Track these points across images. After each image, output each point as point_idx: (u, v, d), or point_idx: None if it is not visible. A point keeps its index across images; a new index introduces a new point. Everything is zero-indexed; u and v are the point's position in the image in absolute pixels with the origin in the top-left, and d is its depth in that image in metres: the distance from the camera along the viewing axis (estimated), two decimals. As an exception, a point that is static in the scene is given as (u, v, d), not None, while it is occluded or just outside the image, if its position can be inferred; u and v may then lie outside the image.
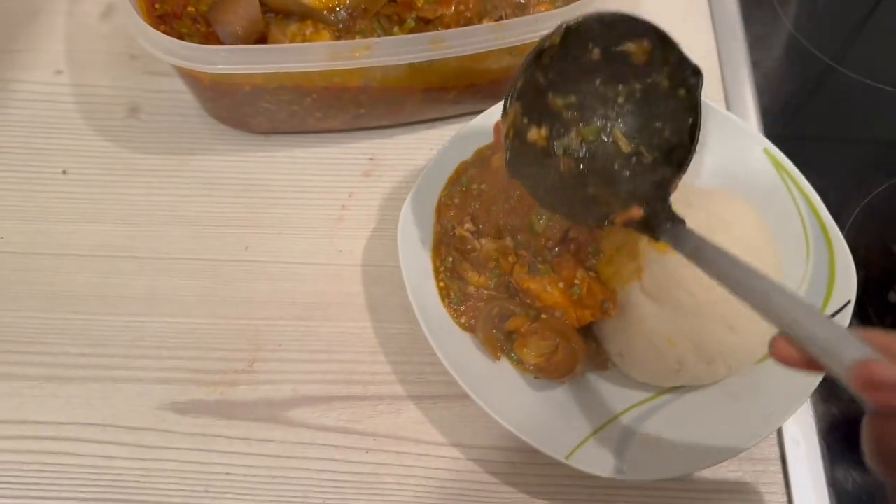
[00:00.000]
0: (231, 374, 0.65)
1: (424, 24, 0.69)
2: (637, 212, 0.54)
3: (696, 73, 0.54)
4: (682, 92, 0.55)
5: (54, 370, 0.65)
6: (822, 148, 0.82)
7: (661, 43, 0.54)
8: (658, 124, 0.57)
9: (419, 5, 0.68)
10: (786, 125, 0.82)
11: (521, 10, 0.72)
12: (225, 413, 0.63)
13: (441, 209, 0.67)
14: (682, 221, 0.52)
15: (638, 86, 0.57)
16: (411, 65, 0.66)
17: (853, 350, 0.38)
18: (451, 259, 0.65)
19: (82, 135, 0.75)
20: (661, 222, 0.52)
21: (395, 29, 0.68)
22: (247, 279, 0.69)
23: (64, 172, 0.73)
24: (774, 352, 0.42)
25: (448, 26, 0.68)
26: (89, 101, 0.76)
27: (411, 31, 0.68)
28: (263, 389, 0.64)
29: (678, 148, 0.56)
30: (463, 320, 0.63)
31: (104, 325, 0.66)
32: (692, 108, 0.55)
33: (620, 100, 0.58)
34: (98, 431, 0.62)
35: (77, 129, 0.75)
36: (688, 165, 0.56)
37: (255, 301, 0.68)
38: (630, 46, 0.55)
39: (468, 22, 0.69)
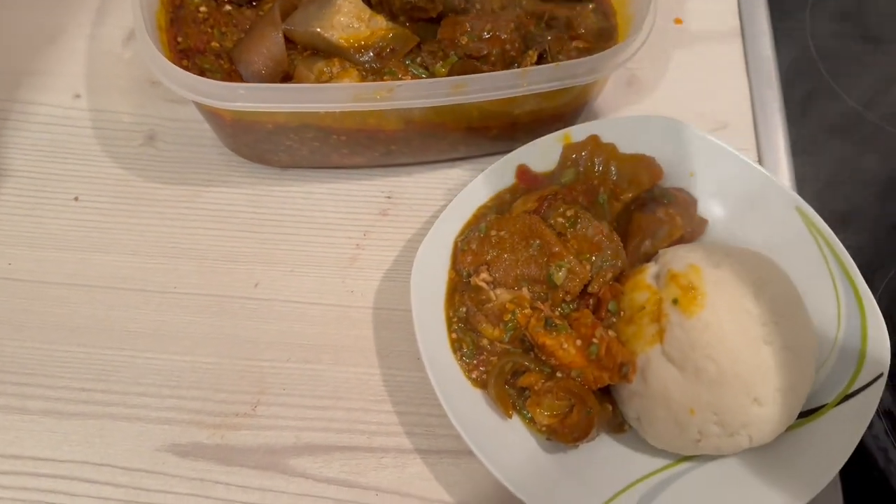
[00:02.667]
0: (233, 418, 0.63)
1: (470, 59, 0.67)
2: None
3: None
4: None
5: (54, 404, 0.63)
6: (857, 207, 0.79)
7: None
8: None
9: (463, 43, 0.67)
10: (820, 181, 0.79)
11: (559, 44, 0.71)
12: (225, 458, 0.61)
13: (457, 255, 0.65)
14: None
15: None
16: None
17: None
18: (464, 309, 0.62)
19: (97, 161, 0.73)
20: None
21: (439, 64, 0.66)
22: (254, 318, 0.67)
23: (76, 199, 0.71)
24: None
25: (493, 64, 0.67)
26: (106, 127, 0.75)
27: (454, 67, 0.66)
28: (265, 435, 0.62)
29: None
30: (474, 375, 0.61)
31: (106, 360, 0.65)
32: None
33: None
34: (94, 471, 0.61)
35: (92, 155, 0.74)
36: None
37: (262, 341, 0.66)
38: None
39: (511, 61, 0.68)
